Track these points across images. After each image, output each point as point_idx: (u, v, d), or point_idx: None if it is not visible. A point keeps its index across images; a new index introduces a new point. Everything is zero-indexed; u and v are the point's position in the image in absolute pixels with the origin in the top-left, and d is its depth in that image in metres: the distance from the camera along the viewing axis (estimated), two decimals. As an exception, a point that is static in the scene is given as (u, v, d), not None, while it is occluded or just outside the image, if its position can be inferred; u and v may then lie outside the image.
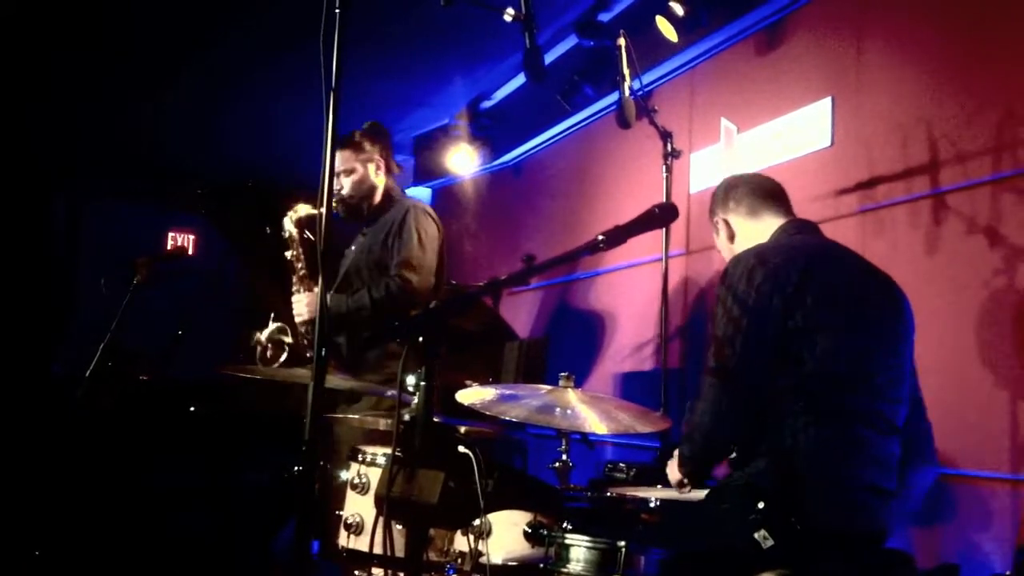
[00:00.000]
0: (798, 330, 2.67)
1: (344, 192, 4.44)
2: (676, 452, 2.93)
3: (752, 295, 2.69)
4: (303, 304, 4.34)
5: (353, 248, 4.54)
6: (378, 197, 4.52)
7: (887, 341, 2.85)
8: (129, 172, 8.31)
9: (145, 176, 8.36)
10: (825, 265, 2.84)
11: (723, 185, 3.20)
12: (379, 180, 4.50)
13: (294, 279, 4.42)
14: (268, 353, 4.30)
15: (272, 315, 4.38)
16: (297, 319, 4.35)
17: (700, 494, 3.07)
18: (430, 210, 4.54)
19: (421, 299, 4.26)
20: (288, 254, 4.43)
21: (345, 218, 4.50)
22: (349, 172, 4.44)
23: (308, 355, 4.28)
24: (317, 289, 4.32)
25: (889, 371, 2.82)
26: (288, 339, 4.29)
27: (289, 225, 4.42)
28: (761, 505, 2.61)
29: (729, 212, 3.11)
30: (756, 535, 2.59)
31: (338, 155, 4.35)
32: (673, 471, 2.96)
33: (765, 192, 3.08)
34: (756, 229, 3.05)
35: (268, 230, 4.57)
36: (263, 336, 4.30)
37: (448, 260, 4.59)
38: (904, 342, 2.92)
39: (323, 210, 2.49)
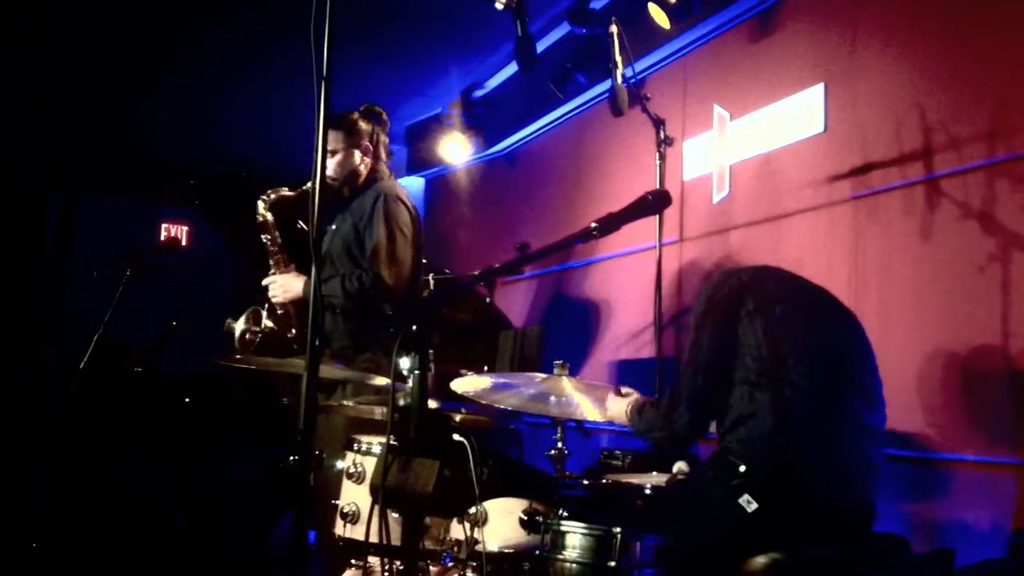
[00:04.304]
0: (760, 307, 2.83)
1: (327, 173, 4.31)
2: (630, 401, 3.08)
3: (713, 300, 2.91)
4: (278, 285, 4.33)
5: (331, 228, 4.47)
6: (360, 181, 4.41)
7: (849, 323, 3.02)
8: (122, 164, 8.30)
9: (138, 168, 8.35)
10: (774, 270, 3.10)
11: None
12: (364, 165, 4.40)
13: (271, 262, 4.39)
14: (246, 337, 4.29)
15: (267, 308, 4.37)
16: (273, 300, 4.34)
17: None
18: (403, 195, 4.42)
19: (396, 292, 4.19)
20: (264, 238, 4.39)
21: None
22: (333, 153, 4.32)
23: (289, 335, 4.27)
24: (293, 272, 4.35)
25: (860, 347, 2.97)
26: (265, 323, 4.27)
27: (263, 209, 4.36)
28: (743, 469, 2.67)
29: None
30: (740, 500, 2.65)
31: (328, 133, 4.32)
32: (618, 408, 3.10)
33: None
34: None
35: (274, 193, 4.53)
36: (237, 324, 4.29)
37: (437, 248, 4.53)
38: (864, 333, 3.05)
39: (315, 201, 2.50)
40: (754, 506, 2.66)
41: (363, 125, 4.40)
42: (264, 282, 4.38)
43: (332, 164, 4.34)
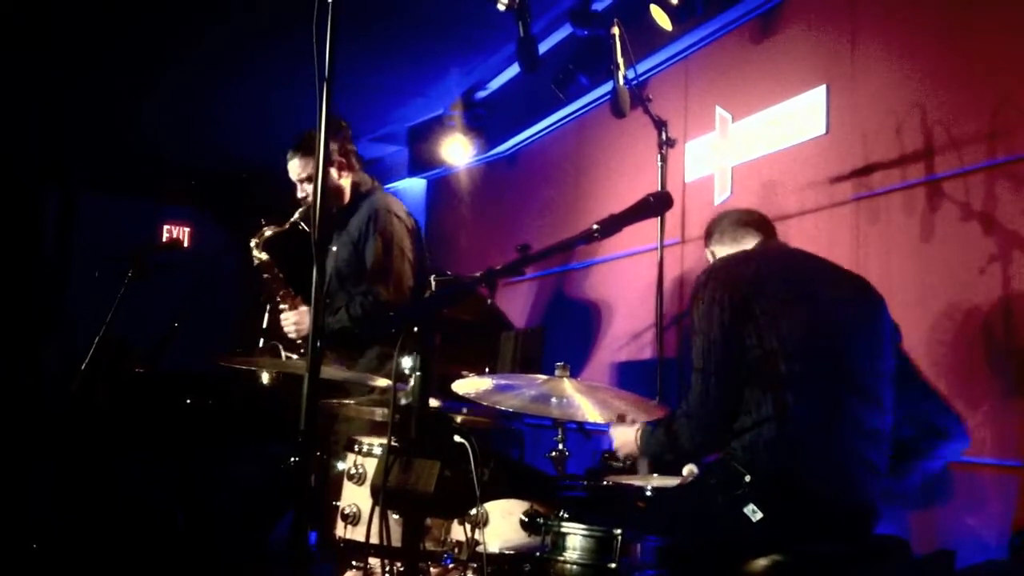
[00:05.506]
0: (764, 311, 2.82)
1: (310, 199, 4.29)
2: (638, 428, 3.07)
3: (715, 296, 2.88)
4: (291, 323, 4.33)
5: (333, 249, 4.45)
6: (346, 197, 4.40)
7: (858, 321, 3.01)
8: (124, 165, 8.30)
9: (140, 169, 8.35)
10: (783, 260, 3.09)
11: (711, 221, 3.45)
12: (344, 180, 4.38)
13: (277, 298, 4.39)
14: (273, 375, 4.31)
15: (268, 309, 4.37)
16: (291, 335, 4.34)
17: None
18: (396, 206, 4.41)
19: (398, 305, 4.21)
20: (265, 276, 4.40)
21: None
22: (310, 178, 4.28)
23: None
24: (303, 307, 4.35)
25: (866, 347, 2.96)
26: (287, 356, 4.26)
27: (257, 252, 4.38)
28: (748, 478, 2.67)
29: (715, 244, 3.33)
30: (745, 509, 2.64)
31: (297, 161, 4.31)
32: (627, 443, 3.11)
33: (745, 221, 3.32)
34: (736, 250, 3.24)
35: (263, 222, 4.54)
36: (265, 377, 4.31)
37: (439, 249, 4.53)
38: (878, 327, 3.05)
39: (317, 201, 2.50)
40: (759, 516, 2.65)
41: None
42: (281, 319, 4.38)
43: (312, 190, 4.29)
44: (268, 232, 4.36)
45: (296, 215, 4.29)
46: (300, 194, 4.35)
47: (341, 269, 4.35)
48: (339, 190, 4.37)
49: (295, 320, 4.31)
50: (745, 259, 3.07)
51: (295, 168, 4.33)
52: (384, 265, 4.24)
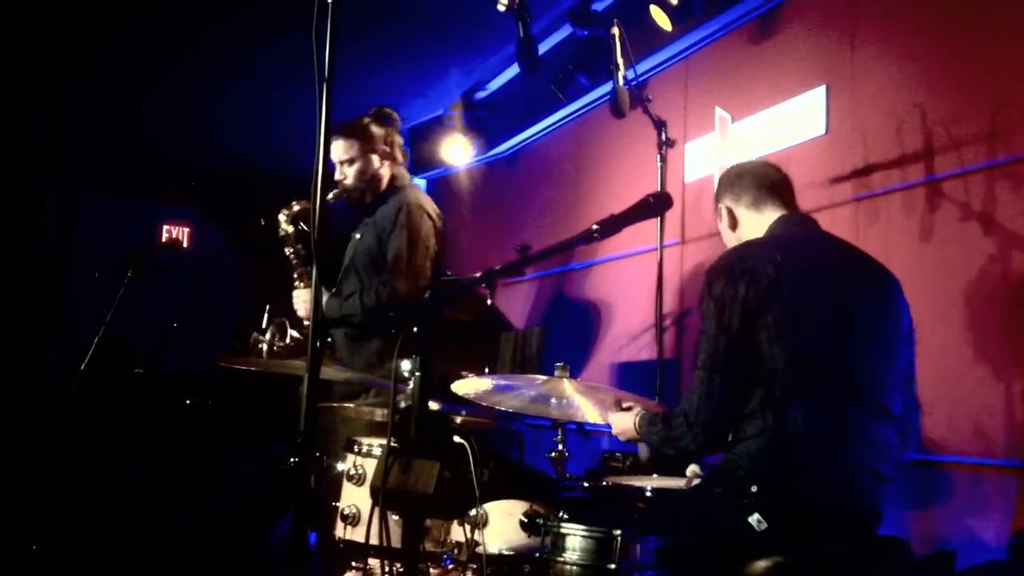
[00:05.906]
0: (778, 322, 2.72)
1: (347, 183, 4.35)
2: (636, 413, 2.97)
3: (729, 293, 2.76)
4: (301, 300, 4.33)
5: (356, 236, 4.48)
6: (383, 186, 4.42)
7: (873, 327, 2.90)
8: (124, 165, 8.31)
9: (140, 169, 8.35)
10: (804, 256, 2.90)
11: (731, 172, 3.21)
12: (384, 169, 4.40)
13: (295, 275, 4.39)
14: (275, 349, 4.29)
15: (267, 309, 4.37)
16: (299, 313, 4.34)
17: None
18: (426, 203, 4.42)
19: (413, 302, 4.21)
20: (287, 251, 4.40)
21: (349, 204, 4.45)
22: (351, 161, 4.34)
23: None
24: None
25: (877, 357, 2.87)
26: (292, 334, 4.26)
27: (285, 223, 4.38)
28: (754, 489, 2.65)
29: (733, 201, 3.12)
30: (750, 519, 2.63)
31: (342, 143, 4.34)
32: (627, 429, 2.99)
33: (770, 185, 3.11)
34: (756, 221, 3.07)
35: (263, 222, 4.55)
36: (265, 337, 4.29)
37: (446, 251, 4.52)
38: (893, 328, 2.96)
39: (316, 202, 2.50)
40: (764, 526, 2.64)
41: (375, 129, 4.40)
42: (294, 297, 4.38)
43: (352, 173, 4.35)
44: (297, 207, 4.36)
45: (330, 195, 4.28)
46: (338, 176, 4.38)
47: (361, 257, 4.37)
48: (377, 178, 4.40)
49: (306, 299, 4.32)
50: (764, 256, 2.84)
51: (337, 149, 4.37)
52: (407, 260, 4.25)
